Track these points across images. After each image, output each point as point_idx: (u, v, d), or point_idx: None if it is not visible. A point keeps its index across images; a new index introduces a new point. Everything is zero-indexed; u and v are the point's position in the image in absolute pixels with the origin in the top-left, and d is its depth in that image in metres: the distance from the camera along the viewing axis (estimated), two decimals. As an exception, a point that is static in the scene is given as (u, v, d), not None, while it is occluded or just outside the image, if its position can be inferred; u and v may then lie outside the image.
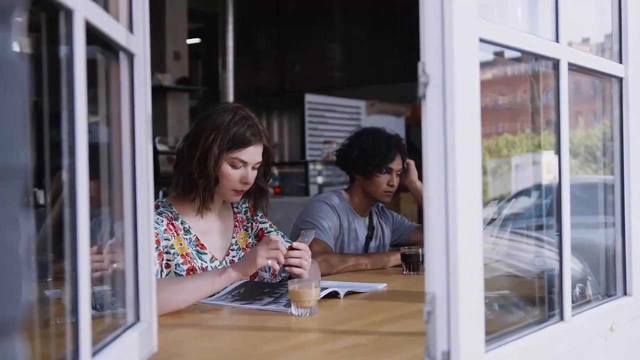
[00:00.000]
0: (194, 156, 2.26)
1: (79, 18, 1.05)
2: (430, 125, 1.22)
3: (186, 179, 2.29)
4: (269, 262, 2.09)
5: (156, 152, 5.36)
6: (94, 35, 1.17)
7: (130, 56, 1.40)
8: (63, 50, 1.06)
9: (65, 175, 1.05)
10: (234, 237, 2.44)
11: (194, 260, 2.27)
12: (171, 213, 2.29)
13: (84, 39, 1.07)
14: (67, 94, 1.05)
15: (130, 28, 1.40)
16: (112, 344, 1.25)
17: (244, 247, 2.45)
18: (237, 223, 2.48)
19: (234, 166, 2.28)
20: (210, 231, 2.38)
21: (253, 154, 2.30)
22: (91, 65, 1.13)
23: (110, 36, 1.25)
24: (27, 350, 0.65)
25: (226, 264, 2.36)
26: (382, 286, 2.43)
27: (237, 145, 2.27)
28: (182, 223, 2.31)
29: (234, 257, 2.40)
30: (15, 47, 0.61)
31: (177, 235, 2.27)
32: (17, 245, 0.60)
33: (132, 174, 1.41)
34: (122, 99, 1.40)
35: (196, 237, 2.32)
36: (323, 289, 2.09)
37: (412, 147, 3.33)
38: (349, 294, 2.25)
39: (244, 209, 2.53)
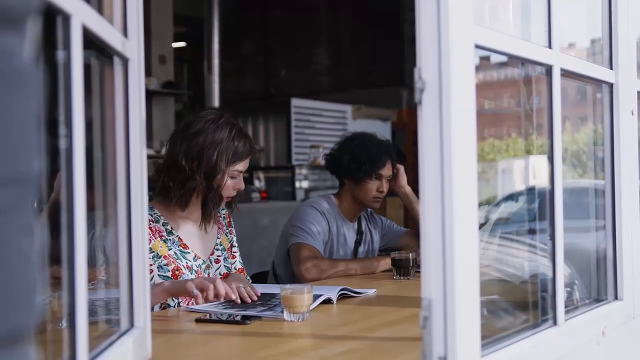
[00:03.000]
0: (195, 170, 2.32)
1: (77, 23, 1.05)
2: (427, 130, 1.22)
3: (188, 193, 2.35)
4: (195, 291, 1.99)
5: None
6: (89, 40, 1.16)
7: (125, 61, 1.39)
8: (60, 54, 1.05)
9: (62, 180, 1.04)
10: (218, 238, 2.53)
11: (177, 260, 2.33)
12: (152, 215, 2.32)
13: (81, 43, 1.06)
14: (65, 98, 1.04)
15: (125, 33, 1.40)
16: (107, 351, 1.24)
17: (228, 247, 2.56)
18: (220, 225, 2.56)
19: (232, 177, 2.39)
20: (194, 233, 2.44)
21: (247, 163, 2.44)
22: (85, 69, 1.12)
23: (106, 41, 1.24)
24: (39, 357, 0.64)
25: (210, 262, 2.45)
26: (372, 291, 2.43)
27: (239, 159, 2.38)
28: (163, 225, 2.37)
29: (219, 256, 2.50)
30: (29, 53, 0.60)
31: (156, 238, 2.32)
32: (31, 252, 0.59)
33: (127, 179, 1.40)
34: (116, 103, 1.39)
35: (179, 237, 2.38)
36: (316, 295, 2.09)
37: (398, 152, 3.33)
38: (342, 297, 2.25)
39: (223, 215, 2.61)
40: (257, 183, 7.66)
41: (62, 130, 1.05)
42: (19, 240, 0.58)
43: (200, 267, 2.39)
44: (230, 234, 2.60)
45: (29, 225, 0.60)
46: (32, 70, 0.60)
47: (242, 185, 2.43)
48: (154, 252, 2.28)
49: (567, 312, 1.62)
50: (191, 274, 2.34)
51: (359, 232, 3.25)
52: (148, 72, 7.68)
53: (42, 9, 0.69)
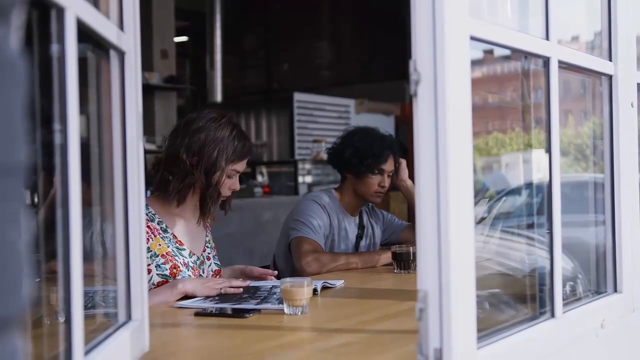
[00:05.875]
0: (195, 165, 2.35)
1: (71, 16, 1.05)
2: (422, 122, 1.22)
3: (186, 188, 2.38)
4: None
5: (144, 152, 5.39)
6: (85, 33, 1.16)
7: (121, 54, 1.39)
8: (54, 48, 1.05)
9: (56, 175, 1.04)
10: (207, 236, 2.58)
11: (175, 258, 2.37)
12: (147, 215, 2.34)
13: (75, 36, 1.06)
14: (59, 93, 1.04)
15: (121, 26, 1.40)
16: (104, 343, 1.25)
17: (214, 246, 2.61)
18: (208, 224, 2.60)
19: (229, 176, 2.42)
20: (187, 230, 2.48)
21: (245, 164, 2.48)
22: (81, 63, 1.12)
23: (102, 34, 1.24)
24: (26, 347, 0.65)
25: (203, 258, 2.50)
26: (340, 282, 2.47)
27: (238, 159, 2.42)
28: (158, 223, 2.40)
29: (209, 253, 2.55)
30: (14, 44, 0.60)
31: (155, 236, 2.36)
32: (18, 242, 0.60)
33: (123, 173, 1.41)
34: (112, 97, 1.39)
35: (174, 234, 2.41)
36: None
37: (401, 146, 3.34)
38: (340, 291, 2.27)
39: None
40: (259, 178, 7.66)
41: (56, 125, 1.05)
42: (6, 229, 0.58)
43: (195, 263, 2.43)
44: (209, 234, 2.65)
45: (16, 214, 0.60)
46: (17, 62, 0.60)
47: (237, 186, 2.48)
48: (151, 251, 2.31)
49: (565, 304, 1.62)
50: (187, 270, 2.37)
51: (361, 226, 3.25)
52: (150, 67, 7.68)
53: (28, 1, 0.69)
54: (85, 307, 1.17)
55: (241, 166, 2.44)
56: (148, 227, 2.32)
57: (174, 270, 2.33)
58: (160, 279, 2.30)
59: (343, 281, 2.49)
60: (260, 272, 2.56)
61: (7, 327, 0.58)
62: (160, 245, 2.35)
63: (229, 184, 2.43)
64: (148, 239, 2.30)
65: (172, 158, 2.37)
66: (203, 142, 2.35)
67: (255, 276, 2.53)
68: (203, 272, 2.47)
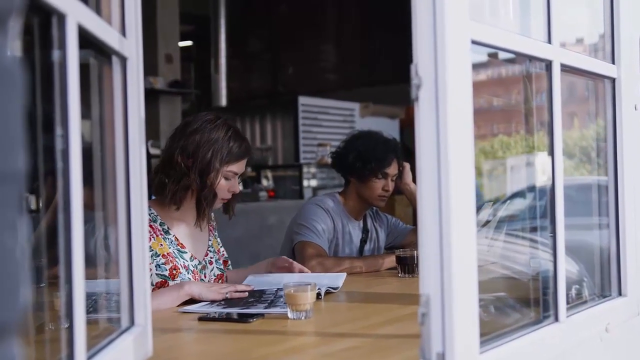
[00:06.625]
0: (190, 167, 2.35)
1: (72, 22, 1.05)
2: (423, 127, 1.22)
3: (182, 190, 2.37)
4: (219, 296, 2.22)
5: (148, 156, 5.42)
6: (87, 39, 1.16)
7: (123, 60, 1.40)
8: (56, 54, 1.06)
9: (59, 180, 1.05)
10: (209, 240, 2.57)
11: (176, 259, 2.37)
12: (149, 215, 2.34)
13: (76, 43, 1.06)
14: (60, 98, 1.04)
15: (123, 32, 1.40)
16: (106, 348, 1.25)
17: (217, 250, 2.59)
18: (211, 228, 2.60)
19: (226, 178, 2.41)
20: (189, 234, 2.47)
21: (243, 165, 2.45)
22: (84, 69, 1.13)
23: (103, 40, 1.24)
24: (24, 353, 0.65)
25: (205, 263, 2.50)
26: (342, 276, 2.49)
27: (234, 160, 2.40)
28: (160, 225, 2.40)
29: (211, 258, 2.54)
30: (12, 52, 0.61)
31: (157, 236, 2.36)
32: (15, 249, 0.60)
33: (126, 178, 1.41)
34: (115, 103, 1.40)
35: (175, 237, 2.41)
36: None
37: (406, 150, 3.34)
38: (327, 293, 2.28)
39: (212, 220, 2.66)
40: (264, 182, 7.65)
41: (58, 131, 1.05)
42: (3, 236, 0.59)
43: (197, 267, 2.43)
44: (217, 237, 2.64)
45: (13, 221, 0.60)
46: (15, 69, 0.60)
47: (236, 189, 2.45)
48: (152, 250, 2.31)
49: (569, 308, 1.62)
50: (188, 273, 2.37)
51: (365, 231, 3.25)
52: (154, 72, 7.68)
53: (25, 8, 0.69)
54: (88, 312, 1.17)
55: (238, 167, 2.42)
56: (150, 227, 2.32)
57: (174, 272, 2.33)
58: (160, 279, 2.30)
59: (345, 274, 2.51)
60: (285, 260, 2.59)
61: (5, 334, 0.58)
62: (161, 245, 2.35)
63: (228, 186, 2.41)
64: (150, 238, 2.30)
65: (168, 161, 2.38)
66: (198, 144, 2.35)
67: (286, 266, 2.56)
68: (205, 277, 2.46)
